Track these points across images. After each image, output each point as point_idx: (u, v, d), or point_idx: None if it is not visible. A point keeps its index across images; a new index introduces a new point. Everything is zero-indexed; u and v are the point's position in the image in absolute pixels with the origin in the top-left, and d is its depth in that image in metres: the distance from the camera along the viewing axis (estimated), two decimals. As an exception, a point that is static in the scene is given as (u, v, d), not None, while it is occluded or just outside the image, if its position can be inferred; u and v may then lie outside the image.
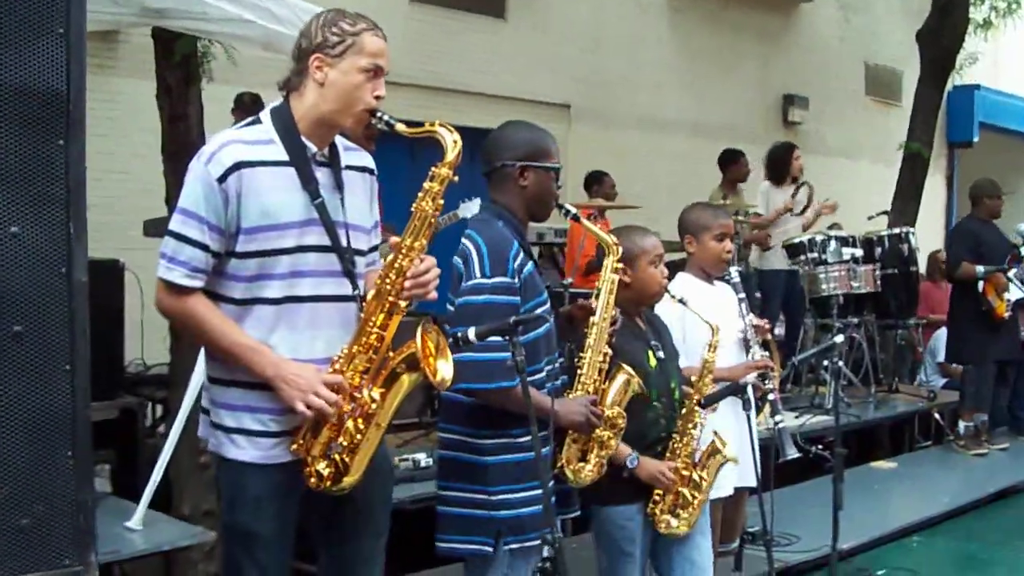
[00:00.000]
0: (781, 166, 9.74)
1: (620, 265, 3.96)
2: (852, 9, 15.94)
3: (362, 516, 3.34)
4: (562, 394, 3.76)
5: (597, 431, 3.75)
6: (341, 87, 3.15)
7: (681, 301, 4.30)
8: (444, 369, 3.13)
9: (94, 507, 2.48)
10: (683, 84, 13.38)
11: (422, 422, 7.08)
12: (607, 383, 3.87)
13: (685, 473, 4.13)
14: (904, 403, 9.93)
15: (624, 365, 3.92)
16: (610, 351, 3.87)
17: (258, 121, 3.22)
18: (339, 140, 3.32)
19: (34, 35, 2.33)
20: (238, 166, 3.06)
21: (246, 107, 7.43)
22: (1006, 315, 9.01)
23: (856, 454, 8.86)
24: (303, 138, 3.18)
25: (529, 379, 3.46)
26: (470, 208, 6.52)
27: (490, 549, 3.56)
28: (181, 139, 5.74)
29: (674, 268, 4.65)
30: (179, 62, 5.68)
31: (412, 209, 3.17)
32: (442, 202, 3.19)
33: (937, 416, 9.99)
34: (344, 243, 3.22)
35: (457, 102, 10.52)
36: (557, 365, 3.79)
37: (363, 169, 3.40)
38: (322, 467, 3.10)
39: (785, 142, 10.30)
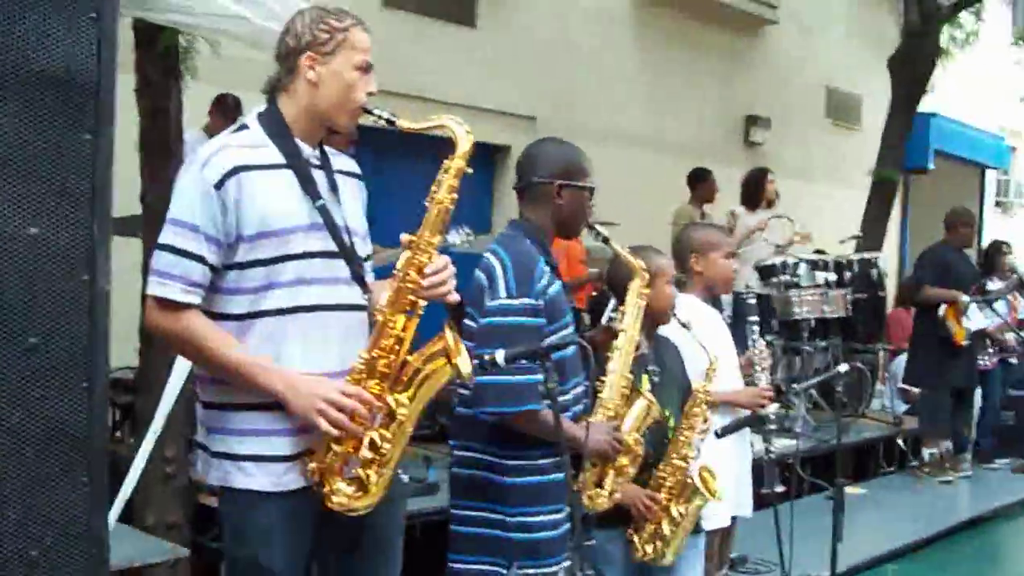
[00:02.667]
0: (755, 191, 9.71)
1: (647, 290, 3.86)
2: (814, 32, 15.94)
3: (377, 545, 3.15)
4: (581, 419, 3.62)
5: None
6: (336, 85, 2.99)
7: (685, 325, 4.17)
8: (465, 364, 2.96)
9: (107, 539, 2.25)
10: (647, 100, 13.28)
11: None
12: (626, 408, 3.77)
13: (668, 505, 4.00)
14: (870, 428, 9.91)
15: (644, 391, 3.81)
16: (631, 376, 3.77)
17: (245, 127, 3.04)
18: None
19: (65, 18, 2.11)
20: (236, 170, 2.87)
21: (228, 109, 7.19)
22: (964, 343, 8.99)
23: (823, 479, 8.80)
24: (297, 140, 3.01)
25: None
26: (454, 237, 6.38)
27: (503, 571, 3.47)
28: (160, 135, 5.52)
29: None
30: (161, 55, 5.45)
31: (427, 203, 3.00)
32: (456, 196, 3.03)
33: (901, 442, 9.96)
34: (349, 247, 3.05)
35: (425, 110, 10.28)
36: (582, 389, 3.67)
37: (351, 174, 3.24)
38: (343, 485, 2.92)
39: (759, 168, 10.27)
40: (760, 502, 5.11)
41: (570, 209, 3.66)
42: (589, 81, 12.41)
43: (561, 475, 3.42)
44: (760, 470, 4.85)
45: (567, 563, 3.46)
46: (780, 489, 4.76)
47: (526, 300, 3.43)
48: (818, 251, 10.56)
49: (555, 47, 12.05)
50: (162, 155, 5.50)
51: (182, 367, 4.80)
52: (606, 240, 3.86)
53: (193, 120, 6.40)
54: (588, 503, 3.63)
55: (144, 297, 2.93)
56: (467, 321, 3.53)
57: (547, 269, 3.53)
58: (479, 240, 6.90)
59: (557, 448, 3.27)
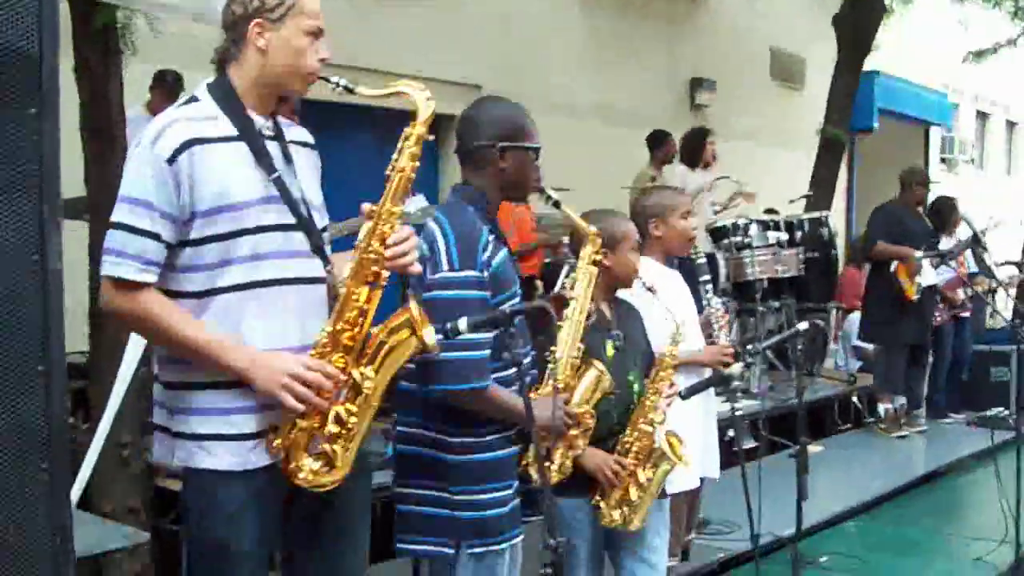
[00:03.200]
0: (695, 150, 9.72)
1: (599, 256, 3.79)
2: (758, -6, 15.99)
3: (344, 526, 3.10)
4: (530, 390, 3.51)
5: None
6: (286, 52, 2.92)
7: (650, 290, 4.11)
8: (431, 336, 2.94)
9: (72, 528, 2.19)
10: (593, 67, 13.24)
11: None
12: (576, 379, 3.69)
13: (636, 471, 3.95)
14: (824, 386, 9.99)
15: (596, 361, 3.73)
16: (583, 346, 3.69)
17: (195, 99, 2.96)
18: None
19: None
20: (189, 144, 2.80)
21: (168, 86, 7.06)
22: (915, 298, 9.07)
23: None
24: (249, 111, 2.94)
25: (501, 374, 3.36)
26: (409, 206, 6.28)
27: (451, 551, 3.36)
28: (101, 116, 5.36)
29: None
30: (99, 33, 5.30)
31: (388, 172, 2.94)
32: (419, 164, 2.97)
33: (856, 400, 10.06)
34: (307, 219, 2.99)
35: (368, 81, 10.17)
36: (529, 360, 3.55)
37: (305, 144, 3.17)
38: (310, 461, 2.88)
39: (700, 127, 10.32)
40: (724, 463, 5.13)
41: (515, 172, 3.51)
42: (534, 48, 12.35)
43: (509, 451, 3.41)
44: (725, 430, 4.85)
45: (518, 539, 3.46)
46: (752, 445, 4.75)
47: (469, 273, 3.32)
48: (769, 210, 10.60)
49: (498, 14, 11.97)
50: (105, 136, 5.37)
51: (134, 350, 4.72)
52: (557, 204, 3.74)
53: (132, 98, 6.27)
54: (537, 477, 3.52)
55: (91, 279, 2.85)
56: (409, 291, 3.42)
57: (491, 238, 3.42)
58: (432, 210, 6.83)
59: (519, 420, 3.27)
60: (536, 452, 3.07)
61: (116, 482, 5.39)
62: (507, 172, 3.50)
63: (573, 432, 3.63)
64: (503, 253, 3.46)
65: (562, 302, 3.74)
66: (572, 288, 3.75)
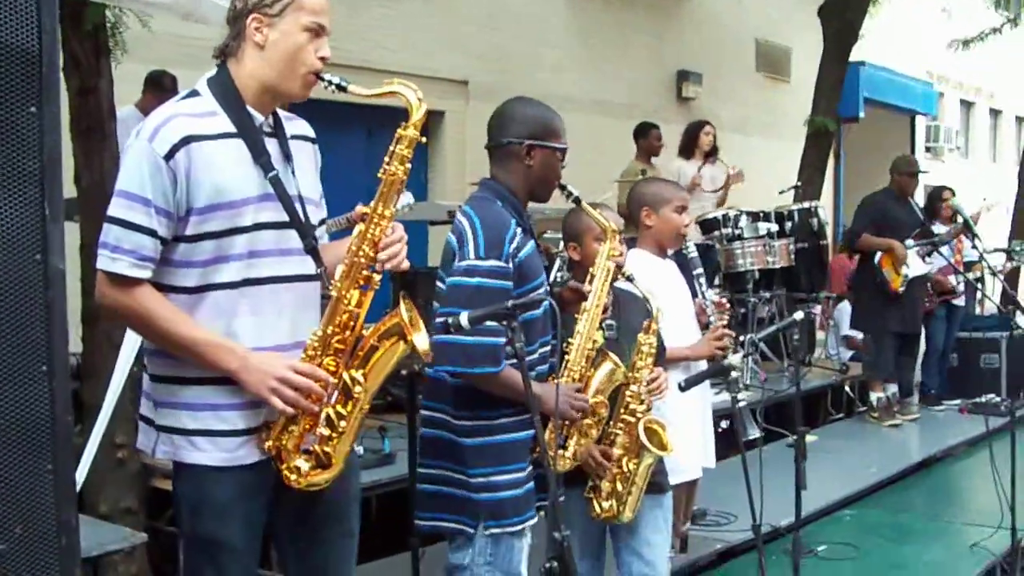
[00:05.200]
0: (689, 141, 9.76)
1: (617, 252, 3.83)
2: (742, -15, 16.01)
3: (333, 515, 3.11)
4: (547, 379, 3.60)
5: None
6: (283, 48, 2.89)
7: (628, 278, 4.09)
8: (423, 341, 2.93)
9: (78, 526, 2.18)
10: (580, 61, 13.24)
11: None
12: (592, 370, 3.73)
13: (621, 461, 3.94)
14: (816, 376, 10.01)
15: (610, 353, 3.77)
16: (598, 339, 3.73)
17: (196, 93, 2.94)
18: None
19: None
20: (186, 140, 2.78)
21: (164, 89, 6.97)
22: (900, 289, 9.04)
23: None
24: (248, 108, 2.92)
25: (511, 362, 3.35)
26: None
27: (471, 529, 3.46)
28: (92, 114, 5.35)
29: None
30: (89, 32, 5.28)
31: (380, 175, 2.94)
32: (410, 166, 2.97)
33: (848, 389, 10.08)
34: (302, 218, 2.97)
35: (355, 78, 10.15)
36: (548, 348, 3.63)
37: (305, 138, 3.15)
38: (300, 462, 2.89)
39: (699, 120, 10.31)
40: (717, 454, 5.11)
41: (540, 169, 3.60)
42: (520, 43, 12.35)
43: (522, 434, 3.46)
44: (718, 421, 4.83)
45: (533, 521, 3.52)
46: (758, 434, 4.74)
47: (493, 263, 3.39)
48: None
49: (485, 10, 11.95)
50: (95, 136, 5.36)
51: (129, 350, 4.69)
52: (578, 201, 3.77)
53: (123, 96, 6.25)
54: (550, 463, 3.58)
55: (82, 281, 2.83)
56: (438, 284, 3.52)
57: (519, 231, 3.49)
58: (419, 207, 6.80)
59: (527, 407, 3.26)
60: (540, 437, 3.08)
61: (112, 483, 5.39)
62: (533, 169, 3.60)
63: (587, 421, 3.68)
64: (530, 245, 3.54)
65: (580, 294, 3.79)
66: (590, 282, 3.79)
